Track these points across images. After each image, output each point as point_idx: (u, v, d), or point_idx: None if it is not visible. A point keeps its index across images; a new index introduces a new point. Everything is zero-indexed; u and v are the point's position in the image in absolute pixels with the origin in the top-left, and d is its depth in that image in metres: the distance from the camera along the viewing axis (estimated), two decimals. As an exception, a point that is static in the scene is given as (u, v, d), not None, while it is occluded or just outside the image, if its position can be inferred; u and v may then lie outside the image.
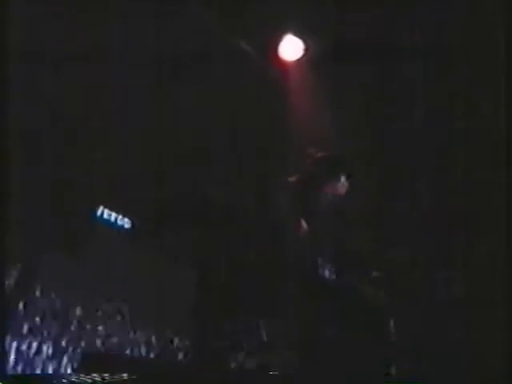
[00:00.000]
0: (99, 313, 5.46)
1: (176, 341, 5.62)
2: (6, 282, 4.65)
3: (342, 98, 6.31)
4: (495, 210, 5.18)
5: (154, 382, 3.87)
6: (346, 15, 5.74)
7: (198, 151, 6.08)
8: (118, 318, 5.56)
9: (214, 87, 6.02)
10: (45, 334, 5.04)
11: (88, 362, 4.68)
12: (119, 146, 5.84)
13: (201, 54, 5.85)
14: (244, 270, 4.63)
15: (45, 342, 5.01)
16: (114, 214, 5.77)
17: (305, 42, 6.32)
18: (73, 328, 5.24)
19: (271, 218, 4.58)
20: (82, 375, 3.86)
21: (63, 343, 5.10)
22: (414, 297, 5.14)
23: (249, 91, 6.21)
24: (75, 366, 4.92)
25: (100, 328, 5.40)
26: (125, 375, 3.76)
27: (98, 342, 5.33)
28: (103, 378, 3.73)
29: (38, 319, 5.06)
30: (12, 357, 4.74)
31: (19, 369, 4.77)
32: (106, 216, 5.73)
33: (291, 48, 6.39)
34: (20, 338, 4.88)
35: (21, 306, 4.99)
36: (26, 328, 4.94)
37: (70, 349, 5.11)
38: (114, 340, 5.43)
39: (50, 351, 5.00)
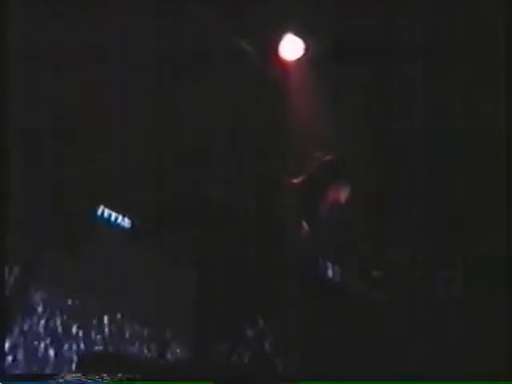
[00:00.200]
0: (99, 312, 5.46)
1: (176, 340, 5.62)
2: (6, 282, 4.65)
3: (342, 97, 6.32)
4: (495, 210, 5.18)
5: (154, 382, 3.88)
6: (346, 15, 5.74)
7: (198, 151, 6.08)
8: (118, 317, 5.56)
9: (214, 87, 6.03)
10: (44, 333, 5.04)
11: (88, 362, 4.69)
12: (119, 145, 5.84)
13: (201, 53, 5.86)
14: (244, 270, 4.63)
15: (44, 342, 5.01)
16: (114, 214, 5.77)
17: (305, 41, 6.32)
18: (72, 327, 5.24)
19: (271, 219, 4.59)
20: (81, 375, 3.87)
21: (63, 343, 5.10)
22: (414, 297, 5.14)
23: (249, 91, 6.21)
24: (75, 366, 4.91)
25: (100, 328, 5.40)
26: (125, 375, 3.77)
27: (98, 342, 5.33)
28: (103, 378, 3.74)
29: (37, 319, 5.06)
30: (12, 357, 4.75)
31: (19, 369, 4.77)
32: (106, 216, 5.73)
33: (291, 48, 6.39)
34: (20, 337, 4.88)
35: (20, 305, 5.00)
36: (25, 328, 4.95)
37: (70, 348, 5.10)
38: (114, 340, 5.43)
39: (50, 351, 5.00)
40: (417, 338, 4.87)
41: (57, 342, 5.07)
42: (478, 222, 5.64)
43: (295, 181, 4.75)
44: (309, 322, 4.48)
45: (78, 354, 5.06)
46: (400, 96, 6.13)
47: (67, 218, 5.40)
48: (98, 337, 5.34)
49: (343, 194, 4.68)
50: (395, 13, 5.62)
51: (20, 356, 4.82)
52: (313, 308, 4.49)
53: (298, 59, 6.44)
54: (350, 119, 6.27)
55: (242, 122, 6.24)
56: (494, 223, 5.25)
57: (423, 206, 5.93)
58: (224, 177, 5.98)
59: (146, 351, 5.52)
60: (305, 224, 4.61)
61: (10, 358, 4.72)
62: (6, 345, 4.64)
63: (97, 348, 5.27)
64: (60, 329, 5.15)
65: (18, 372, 4.73)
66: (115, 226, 5.75)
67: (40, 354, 4.95)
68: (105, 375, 3.77)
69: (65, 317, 5.22)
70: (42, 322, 5.07)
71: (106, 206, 5.67)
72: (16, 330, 4.87)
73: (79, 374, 3.97)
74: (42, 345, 4.99)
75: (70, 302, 5.29)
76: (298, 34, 6.30)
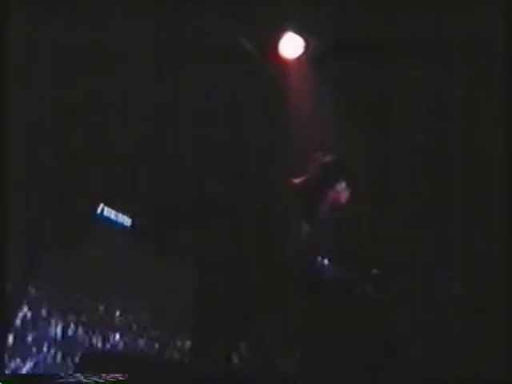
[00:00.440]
0: (98, 312, 5.46)
1: (176, 340, 5.62)
2: (6, 282, 4.65)
3: (342, 96, 6.31)
4: (495, 209, 5.18)
5: (153, 382, 3.88)
6: (346, 14, 5.74)
7: (198, 150, 6.08)
8: (118, 316, 5.56)
9: (214, 86, 6.02)
10: (44, 333, 5.04)
11: (88, 362, 4.69)
12: (119, 144, 5.84)
13: (201, 52, 5.85)
14: (244, 269, 4.63)
15: (44, 342, 5.01)
16: (113, 212, 5.77)
17: (305, 40, 6.31)
18: (72, 327, 5.24)
19: (272, 219, 4.58)
20: (81, 375, 3.87)
21: (63, 343, 5.10)
22: (414, 297, 5.14)
23: (248, 89, 6.20)
24: (75, 365, 4.91)
25: (100, 327, 5.40)
26: (124, 375, 3.77)
27: (98, 342, 5.33)
28: (103, 378, 3.74)
29: (37, 318, 5.06)
30: (12, 357, 4.75)
31: (19, 369, 4.77)
32: (106, 214, 5.73)
33: (291, 46, 6.39)
34: (19, 337, 4.88)
35: (20, 305, 4.99)
36: (25, 328, 4.95)
37: (70, 348, 5.10)
38: (114, 339, 5.43)
39: (50, 351, 5.00)
40: (417, 338, 4.88)
41: (57, 342, 5.08)
42: (478, 222, 5.64)
43: (295, 181, 4.76)
44: (309, 321, 4.49)
45: (77, 354, 5.06)
46: (400, 95, 6.13)
47: (67, 216, 5.40)
48: (98, 336, 5.35)
49: (343, 195, 4.69)
50: (395, 12, 5.61)
51: (20, 356, 4.82)
52: (313, 308, 4.49)
53: (298, 57, 6.43)
54: (349, 118, 6.27)
55: (242, 121, 6.23)
56: (494, 223, 5.26)
57: (423, 207, 5.93)
58: (224, 176, 5.97)
59: (145, 351, 5.52)
60: (305, 224, 4.61)
61: (9, 358, 4.72)
62: (6, 345, 4.63)
63: (96, 348, 5.28)
64: (60, 328, 5.15)
65: (17, 372, 4.73)
66: (115, 224, 5.76)
67: (40, 354, 4.95)
68: (105, 375, 3.77)
69: (64, 316, 5.23)
70: (42, 321, 5.07)
71: (106, 205, 5.67)
72: (16, 330, 4.87)
73: (79, 374, 3.97)
74: (42, 345, 4.99)
75: (69, 301, 5.29)
76: (297, 32, 6.29)
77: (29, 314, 5.01)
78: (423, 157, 6.03)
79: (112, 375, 3.77)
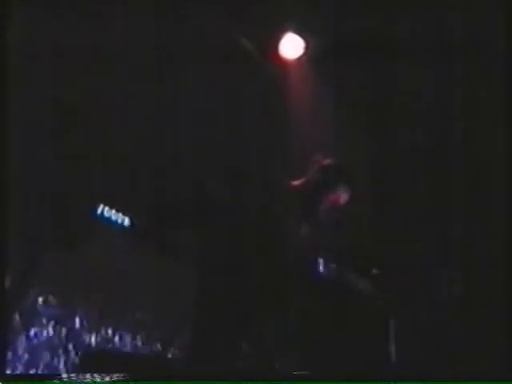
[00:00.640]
0: (98, 311, 5.46)
1: (175, 340, 5.61)
2: (6, 282, 4.65)
3: (342, 96, 6.31)
4: (495, 209, 5.18)
5: (153, 382, 3.87)
6: (346, 14, 5.73)
7: (198, 150, 6.08)
8: (118, 316, 5.56)
9: (214, 86, 6.02)
10: (44, 333, 5.04)
11: (88, 362, 4.69)
12: (119, 144, 5.84)
13: (201, 52, 5.85)
14: (244, 269, 4.63)
15: (44, 342, 5.01)
16: (113, 212, 5.77)
17: (305, 40, 6.31)
18: (72, 327, 5.24)
19: (271, 219, 4.59)
20: (81, 375, 3.87)
21: (63, 342, 5.10)
22: (414, 297, 5.14)
23: (248, 89, 6.20)
24: (75, 365, 4.91)
25: (99, 327, 5.40)
26: (124, 375, 3.76)
27: (98, 342, 5.33)
28: (103, 378, 3.74)
29: (37, 318, 5.06)
30: (11, 357, 4.74)
31: (19, 369, 4.77)
32: (106, 214, 5.73)
33: (291, 46, 6.38)
34: (19, 337, 4.88)
35: (20, 305, 4.99)
36: (25, 328, 4.94)
37: (70, 348, 5.10)
38: (114, 339, 5.43)
39: (50, 351, 5.00)
40: (417, 338, 4.88)
41: (56, 342, 5.07)
42: (478, 222, 5.64)
43: (295, 183, 4.76)
44: (309, 321, 4.49)
45: (77, 354, 5.06)
46: (400, 95, 6.13)
47: (67, 216, 5.40)
48: (98, 336, 5.35)
49: (342, 197, 4.70)
50: (395, 12, 5.61)
51: (20, 356, 4.82)
52: (313, 308, 4.49)
53: (298, 57, 6.43)
54: (349, 118, 6.27)
55: (242, 121, 6.23)
56: (494, 223, 5.26)
57: (423, 207, 5.93)
58: (224, 176, 5.97)
59: (145, 351, 5.52)
60: (305, 225, 4.62)
61: (10, 358, 4.71)
62: (6, 345, 4.63)
63: (96, 348, 5.27)
64: (60, 328, 5.15)
65: (18, 372, 4.73)
66: (115, 224, 5.75)
67: (39, 354, 4.95)
68: (105, 375, 3.76)
69: (64, 316, 5.22)
70: (42, 321, 5.07)
71: (106, 205, 5.67)
72: (16, 330, 4.87)
73: (79, 374, 3.97)
74: (42, 344, 4.99)
75: (69, 300, 5.29)
76: (297, 32, 6.29)
77: (29, 314, 5.01)
78: (423, 157, 6.03)
79: (112, 375, 3.76)
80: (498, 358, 4.56)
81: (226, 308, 4.68)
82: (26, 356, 4.85)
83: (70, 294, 5.30)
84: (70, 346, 5.10)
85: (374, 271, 4.87)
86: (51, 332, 5.08)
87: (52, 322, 5.12)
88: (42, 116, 5.32)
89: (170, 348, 5.58)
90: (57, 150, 5.42)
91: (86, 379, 3.79)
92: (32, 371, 4.81)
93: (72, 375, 4.11)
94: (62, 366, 4.99)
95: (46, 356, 4.96)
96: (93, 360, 4.66)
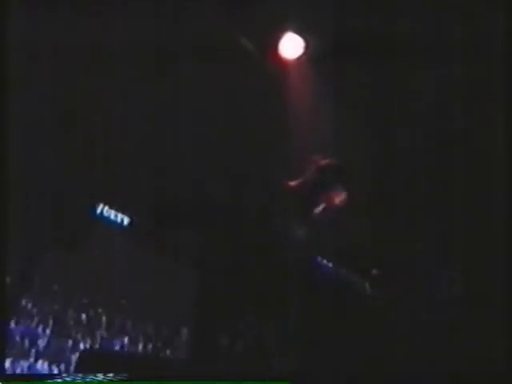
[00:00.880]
0: (98, 311, 5.46)
1: (175, 339, 5.62)
2: (7, 281, 4.65)
3: (342, 96, 6.30)
4: (495, 209, 5.18)
5: (153, 382, 3.88)
6: (346, 14, 5.73)
7: (198, 150, 6.07)
8: (117, 316, 5.56)
9: (214, 85, 6.01)
10: (44, 332, 5.05)
11: (88, 362, 4.70)
12: (119, 144, 5.84)
13: (201, 52, 5.84)
14: (244, 269, 4.64)
15: (44, 341, 5.01)
16: (113, 212, 5.77)
17: (305, 40, 6.31)
18: (72, 326, 5.24)
19: (271, 219, 4.59)
20: (81, 375, 3.87)
21: (63, 342, 5.11)
22: (414, 297, 5.14)
23: (248, 89, 6.20)
24: (74, 365, 4.92)
25: (99, 327, 5.40)
26: (124, 375, 3.77)
27: (97, 341, 5.33)
28: (103, 378, 3.74)
29: (37, 318, 5.07)
30: (12, 356, 4.75)
31: (19, 368, 4.77)
32: (105, 214, 5.73)
33: (291, 46, 6.38)
34: (19, 337, 4.88)
35: (20, 305, 5.00)
36: (25, 327, 4.95)
37: (70, 348, 5.11)
38: (113, 339, 5.43)
39: (50, 350, 5.00)
40: (417, 337, 4.88)
41: (56, 341, 5.08)
42: (477, 222, 5.64)
43: (292, 183, 4.77)
44: (309, 321, 4.49)
45: (77, 353, 5.06)
46: (400, 95, 6.12)
47: (67, 216, 5.41)
48: (98, 336, 5.35)
49: (339, 197, 4.70)
50: (395, 12, 5.60)
51: (19, 356, 4.82)
52: (313, 308, 4.50)
53: (298, 57, 6.42)
54: (349, 118, 6.26)
55: (242, 121, 6.22)
56: (494, 224, 5.26)
57: (423, 207, 5.93)
58: (224, 176, 5.97)
59: (145, 350, 5.52)
60: (303, 225, 4.62)
61: (10, 358, 4.72)
62: (6, 345, 4.63)
63: (96, 347, 5.28)
64: (60, 327, 5.16)
65: (18, 372, 4.73)
66: (115, 224, 5.76)
67: (39, 354, 4.96)
68: (105, 375, 3.77)
69: (64, 316, 5.23)
70: (42, 321, 5.07)
71: (105, 204, 5.68)
72: (16, 330, 4.87)
73: (78, 374, 3.97)
74: (42, 344, 4.99)
75: (69, 300, 5.30)
76: (297, 32, 6.28)
77: (29, 314, 5.01)
78: (423, 157, 6.03)
79: (112, 375, 3.77)
80: (498, 358, 4.56)
81: (225, 308, 4.69)
82: (26, 356, 4.86)
83: (70, 294, 5.31)
84: (70, 346, 5.11)
85: (374, 271, 4.87)
86: (51, 332, 5.09)
87: (52, 322, 5.13)
88: (42, 116, 5.32)
89: (169, 348, 5.58)
90: (57, 150, 5.43)
91: (85, 379, 3.79)
92: (32, 371, 4.82)
93: (72, 375, 4.11)
94: (61, 365, 5.00)
95: (46, 356, 4.97)
96: (93, 360, 4.66)
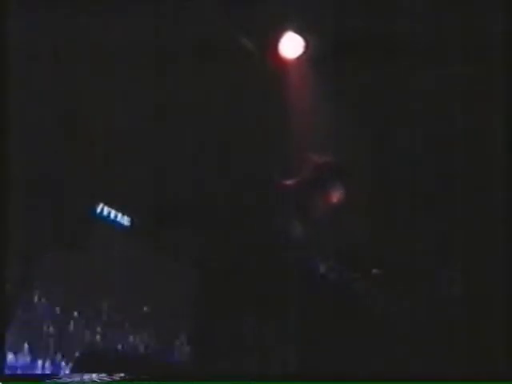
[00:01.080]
0: (98, 311, 5.47)
1: (175, 340, 5.62)
2: (6, 282, 4.65)
3: (342, 96, 6.31)
4: (495, 209, 5.18)
5: (153, 382, 3.87)
6: (346, 13, 5.73)
7: (197, 150, 6.08)
8: (117, 316, 5.57)
9: (214, 85, 6.01)
10: (44, 333, 5.05)
11: (88, 362, 4.69)
12: (120, 144, 5.84)
13: (201, 51, 5.84)
14: (244, 269, 4.63)
15: (44, 342, 5.02)
16: (113, 212, 5.78)
17: (305, 39, 6.30)
18: (72, 327, 5.24)
19: (270, 219, 4.59)
20: (81, 375, 3.87)
21: (62, 342, 5.11)
22: (414, 297, 5.14)
23: (248, 89, 6.20)
24: (75, 365, 4.92)
25: (99, 327, 5.40)
26: (124, 375, 3.77)
27: (97, 342, 5.33)
28: (103, 378, 3.74)
29: (37, 318, 5.07)
30: (11, 357, 4.75)
31: (19, 368, 4.78)
32: (105, 213, 5.74)
33: (291, 46, 6.37)
34: (20, 337, 4.89)
35: (20, 305, 5.00)
36: (25, 327, 4.95)
37: (70, 348, 5.11)
38: (113, 339, 5.44)
39: (49, 351, 5.01)
40: (416, 337, 4.88)
41: (56, 342, 5.08)
42: (477, 222, 5.64)
43: (289, 181, 4.77)
44: (309, 321, 4.49)
45: (77, 354, 5.06)
46: (400, 95, 6.12)
47: (67, 216, 5.41)
48: (98, 336, 5.35)
49: (336, 196, 4.70)
50: (395, 12, 5.60)
51: (19, 356, 4.82)
52: (313, 308, 4.49)
53: (298, 57, 6.42)
54: (349, 118, 6.26)
55: (242, 121, 6.23)
56: (494, 224, 5.25)
57: (423, 207, 5.93)
58: (223, 176, 5.98)
59: (145, 350, 5.53)
60: (302, 225, 4.62)
61: (9, 358, 4.72)
62: (6, 345, 4.64)
63: (96, 347, 5.28)
64: (59, 328, 5.16)
65: (17, 372, 4.73)
66: (115, 224, 5.76)
67: (39, 354, 4.96)
68: (105, 375, 3.77)
69: (64, 316, 5.23)
70: (42, 321, 5.07)
71: (105, 204, 5.68)
72: (16, 330, 4.87)
73: (79, 374, 3.97)
74: (42, 344, 5.00)
75: (69, 300, 5.30)
76: (297, 32, 6.28)
77: (29, 314, 5.01)
78: (423, 157, 6.03)
79: (112, 375, 3.77)
80: (498, 358, 4.55)
81: (225, 308, 4.69)
82: (26, 356, 4.86)
83: (70, 294, 5.31)
84: (70, 346, 5.11)
85: (374, 271, 4.87)
86: (51, 332, 5.09)
87: (51, 322, 5.13)
88: (42, 116, 5.32)
89: (169, 348, 5.59)
90: (57, 149, 5.43)
91: (85, 379, 3.79)
92: (32, 371, 4.83)
93: (72, 375, 4.11)
94: (61, 365, 5.00)
95: (46, 356, 4.97)
96: (93, 360, 4.66)
